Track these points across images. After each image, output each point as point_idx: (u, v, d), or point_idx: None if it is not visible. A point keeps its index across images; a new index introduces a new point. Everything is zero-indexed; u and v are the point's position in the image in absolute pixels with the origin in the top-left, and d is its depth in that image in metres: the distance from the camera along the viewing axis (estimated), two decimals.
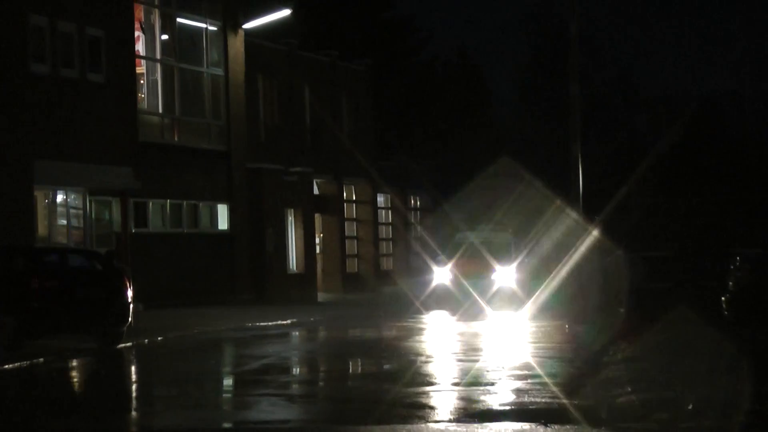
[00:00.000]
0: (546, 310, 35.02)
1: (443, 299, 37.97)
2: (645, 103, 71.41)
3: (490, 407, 14.93)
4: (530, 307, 35.21)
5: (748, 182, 56.07)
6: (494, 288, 37.86)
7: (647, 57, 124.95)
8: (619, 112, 67.03)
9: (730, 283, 31.11)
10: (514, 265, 38.76)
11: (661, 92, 76.75)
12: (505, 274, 38.46)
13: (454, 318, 34.96)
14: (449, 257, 40.08)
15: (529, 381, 18.06)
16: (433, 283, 39.29)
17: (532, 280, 39.62)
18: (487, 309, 35.82)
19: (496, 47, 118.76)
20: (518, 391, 16.77)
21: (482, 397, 15.87)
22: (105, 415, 15.88)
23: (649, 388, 17.36)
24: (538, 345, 26.55)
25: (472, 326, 30.97)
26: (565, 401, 15.73)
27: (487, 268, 38.75)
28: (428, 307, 37.42)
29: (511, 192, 52.23)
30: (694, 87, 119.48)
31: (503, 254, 39.78)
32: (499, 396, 16.16)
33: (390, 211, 58.64)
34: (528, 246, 43.26)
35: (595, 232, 34.76)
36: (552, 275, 38.93)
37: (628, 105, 69.34)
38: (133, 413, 16.61)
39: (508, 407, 15.06)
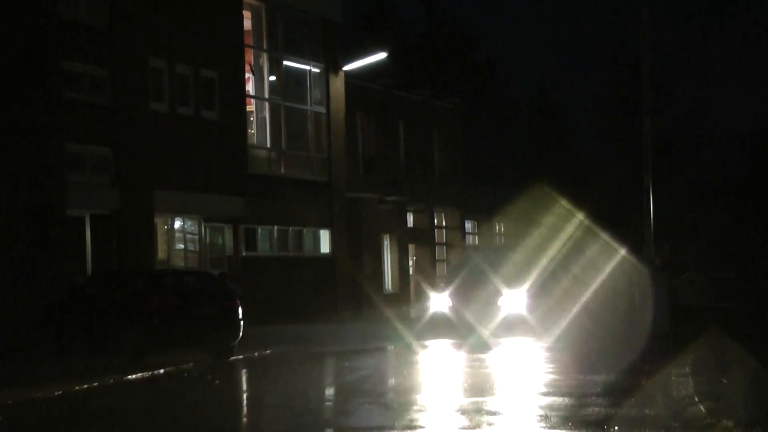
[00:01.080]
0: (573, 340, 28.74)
1: (441, 328, 31.50)
2: (712, 137, 70.11)
3: (567, 416, 15.02)
4: (549, 335, 28.90)
5: None
6: (500, 315, 30.85)
7: (716, 91, 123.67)
8: (688, 145, 66.60)
9: None
10: (525, 288, 31.38)
11: (729, 125, 76.62)
12: (514, 300, 31.20)
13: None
14: (450, 281, 33.36)
15: (598, 393, 17.83)
16: (429, 312, 32.92)
17: (549, 305, 32.64)
18: (491, 339, 29.18)
19: (576, 85, 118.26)
20: (590, 403, 16.67)
21: (561, 411, 15.84)
22: (218, 419, 16.16)
23: (716, 398, 17.10)
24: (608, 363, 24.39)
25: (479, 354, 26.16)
26: (634, 411, 15.67)
27: (492, 293, 31.28)
28: (425, 336, 30.65)
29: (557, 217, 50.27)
30: (760, 120, 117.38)
31: (513, 276, 32.01)
32: (574, 407, 16.16)
33: (477, 236, 58.16)
34: (545, 266, 35.61)
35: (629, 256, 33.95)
36: (584, 298, 33.67)
37: (696, 138, 68.52)
38: (244, 419, 16.91)
39: (585, 417, 15.07)
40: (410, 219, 51.09)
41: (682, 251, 40.14)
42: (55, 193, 30.57)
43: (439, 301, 31.71)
